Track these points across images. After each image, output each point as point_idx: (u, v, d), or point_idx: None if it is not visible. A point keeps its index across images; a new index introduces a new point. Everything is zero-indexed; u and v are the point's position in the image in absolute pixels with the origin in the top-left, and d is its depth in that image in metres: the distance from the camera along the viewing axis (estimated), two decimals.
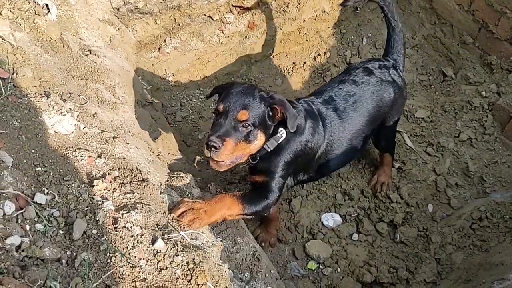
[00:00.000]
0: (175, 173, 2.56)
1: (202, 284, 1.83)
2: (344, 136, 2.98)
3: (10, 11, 2.52)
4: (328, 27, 4.45)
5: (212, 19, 3.77)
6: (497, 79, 3.97)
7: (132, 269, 1.71)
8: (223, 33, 3.88)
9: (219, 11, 3.76)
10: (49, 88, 2.36)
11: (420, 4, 4.48)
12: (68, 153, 2.09)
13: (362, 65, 3.22)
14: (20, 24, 2.53)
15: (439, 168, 3.76)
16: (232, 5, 3.79)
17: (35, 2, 2.69)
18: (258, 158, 2.68)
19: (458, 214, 3.54)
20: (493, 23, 3.88)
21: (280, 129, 2.65)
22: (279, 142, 2.67)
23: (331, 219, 3.46)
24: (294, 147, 2.74)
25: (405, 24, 4.61)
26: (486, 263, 3.05)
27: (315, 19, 4.28)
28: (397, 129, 3.93)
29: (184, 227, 2.09)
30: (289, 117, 2.46)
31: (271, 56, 4.34)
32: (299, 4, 4.05)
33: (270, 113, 2.50)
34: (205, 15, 3.72)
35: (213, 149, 2.32)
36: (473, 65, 4.18)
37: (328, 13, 4.32)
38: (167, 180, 2.46)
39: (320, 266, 3.25)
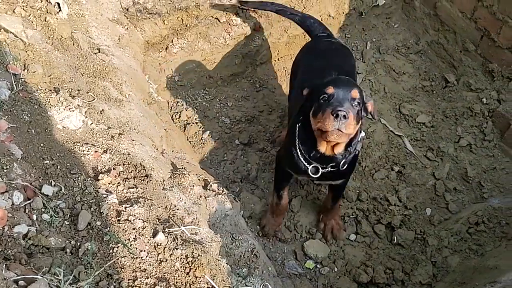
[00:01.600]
0: (178, 170, 2.64)
1: (200, 277, 1.90)
2: None
3: (23, 9, 2.62)
4: (333, 32, 4.51)
5: (219, 21, 3.85)
6: (497, 87, 4.02)
7: (133, 260, 1.78)
8: (229, 34, 3.95)
9: (226, 13, 3.84)
10: (58, 84, 2.45)
11: (425, 10, 4.54)
12: (75, 147, 2.18)
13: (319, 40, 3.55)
14: (32, 22, 2.63)
15: (438, 172, 3.82)
16: (238, 7, 3.87)
17: (47, 1, 2.79)
18: (346, 163, 2.75)
19: (456, 218, 3.59)
20: (495, 32, 3.93)
21: (362, 133, 2.76)
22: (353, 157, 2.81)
23: None
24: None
25: (409, 30, 4.67)
26: (481, 266, 3.11)
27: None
28: (398, 133, 4.01)
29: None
30: (376, 112, 2.71)
31: (276, 59, 4.40)
32: (304, 8, 4.12)
33: (364, 105, 2.59)
34: (212, 16, 3.80)
35: (342, 119, 2.36)
36: (475, 72, 4.23)
37: (333, 18, 4.38)
38: (170, 177, 2.53)
39: (318, 266, 3.32)
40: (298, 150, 2.81)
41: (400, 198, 3.64)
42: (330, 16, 4.34)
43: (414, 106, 4.22)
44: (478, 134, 3.98)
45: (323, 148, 2.68)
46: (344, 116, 2.35)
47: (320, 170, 2.77)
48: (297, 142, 2.82)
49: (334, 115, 2.36)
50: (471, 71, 4.25)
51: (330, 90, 2.46)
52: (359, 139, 2.73)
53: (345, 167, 2.75)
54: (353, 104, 2.46)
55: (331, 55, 3.33)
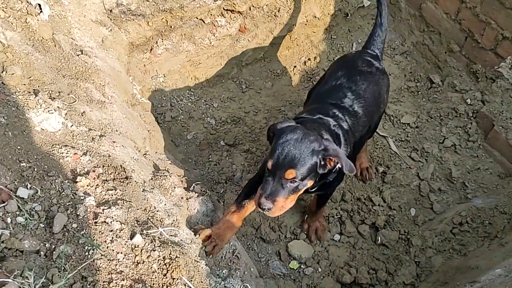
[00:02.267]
0: (160, 172, 2.64)
1: (177, 278, 1.91)
2: (362, 129, 3.08)
3: (3, 10, 2.60)
4: (319, 33, 4.52)
5: (204, 22, 3.85)
6: (481, 88, 4.05)
7: (109, 262, 1.78)
8: (214, 36, 3.96)
9: (211, 15, 3.84)
10: (38, 86, 2.43)
11: (410, 11, 4.56)
12: (53, 150, 2.17)
13: (360, 57, 3.33)
14: (12, 23, 2.61)
15: (423, 173, 3.84)
16: (223, 9, 3.87)
17: (27, 2, 2.77)
18: (317, 186, 2.81)
19: (440, 219, 3.62)
20: (479, 33, 3.96)
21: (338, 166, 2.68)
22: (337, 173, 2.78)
23: None
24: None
25: (395, 31, 4.69)
26: (463, 266, 3.13)
27: (306, 24, 4.36)
28: (383, 134, 4.03)
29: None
30: (344, 166, 2.49)
31: (262, 60, 4.41)
32: (290, 9, 4.13)
33: (322, 163, 2.53)
34: (196, 18, 3.80)
35: (266, 210, 2.47)
36: (459, 73, 4.26)
37: (318, 19, 4.39)
38: (151, 179, 2.53)
39: (302, 266, 3.33)
40: None
41: (384, 198, 3.66)
42: (315, 17, 4.35)
43: (399, 107, 4.25)
44: (463, 134, 4.01)
45: None
46: (268, 209, 2.47)
47: None
48: None
49: (257, 205, 2.49)
50: (456, 72, 4.28)
51: (269, 164, 2.49)
52: (335, 169, 2.68)
53: (315, 187, 2.81)
54: (287, 185, 2.48)
55: (360, 78, 3.15)
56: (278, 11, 4.10)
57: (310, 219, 3.45)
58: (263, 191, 2.48)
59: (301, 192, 2.58)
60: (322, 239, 3.43)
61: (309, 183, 2.55)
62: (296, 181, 2.48)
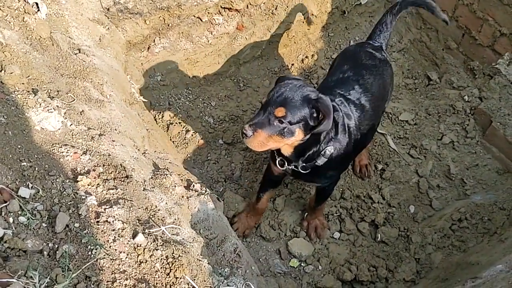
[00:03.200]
0: (160, 170, 2.62)
1: (181, 278, 1.90)
2: (368, 122, 3.08)
3: (0, 9, 2.58)
4: (316, 30, 4.52)
5: (201, 20, 3.84)
6: (479, 84, 4.06)
7: (112, 262, 1.77)
8: (211, 34, 3.94)
9: (208, 13, 3.82)
10: (37, 85, 2.42)
11: (407, 9, 4.56)
12: (54, 149, 2.15)
13: (362, 50, 3.34)
14: (10, 22, 2.59)
15: (422, 170, 3.85)
16: (221, 7, 3.86)
17: (24, 1, 2.74)
18: (310, 169, 2.85)
19: (439, 215, 3.62)
20: (476, 30, 3.98)
21: (329, 146, 2.78)
22: (328, 158, 2.81)
23: None
24: (341, 155, 2.87)
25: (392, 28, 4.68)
26: (463, 262, 3.14)
27: (303, 22, 4.36)
28: (381, 131, 4.03)
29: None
30: (322, 127, 2.55)
31: (260, 58, 4.40)
32: (287, 7, 4.12)
33: (315, 115, 2.57)
34: (194, 16, 3.78)
35: (244, 136, 2.55)
36: (457, 70, 4.27)
37: (316, 16, 4.39)
38: (151, 178, 2.51)
39: (302, 264, 3.33)
40: None
41: (383, 195, 3.67)
42: (313, 15, 4.34)
43: (397, 104, 4.25)
44: (461, 131, 4.02)
45: None
46: (246, 135, 2.55)
47: (285, 166, 2.90)
48: None
49: (240, 129, 2.57)
50: (453, 69, 4.29)
51: (264, 99, 2.60)
52: (322, 153, 2.78)
53: (306, 171, 2.86)
54: (274, 122, 2.53)
55: (366, 72, 3.18)
56: (276, 8, 4.09)
57: (309, 217, 3.45)
58: (250, 119, 2.58)
59: (287, 140, 2.60)
60: (321, 237, 3.43)
61: (297, 132, 2.57)
62: (284, 122, 2.52)
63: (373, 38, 3.46)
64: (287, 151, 2.79)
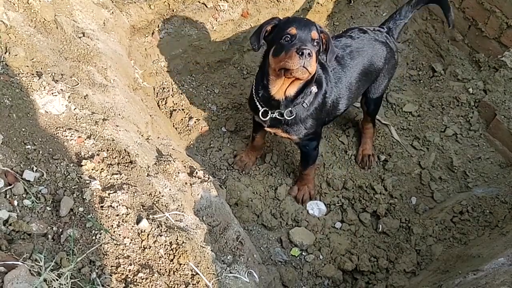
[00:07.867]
0: (163, 157, 2.61)
1: (184, 264, 1.89)
2: (345, 81, 3.21)
3: None
4: (321, 19, 4.48)
5: (206, 6, 3.80)
6: (484, 77, 4.04)
7: (116, 247, 1.77)
8: (216, 20, 3.91)
9: None
10: (41, 68, 2.40)
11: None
12: (58, 133, 2.14)
13: (358, 26, 3.53)
14: (14, 4, 2.56)
15: (424, 162, 3.83)
16: None
17: None
18: (295, 114, 2.96)
19: (440, 207, 3.62)
20: (483, 21, 3.94)
21: (313, 88, 2.92)
22: (312, 99, 2.96)
23: (316, 208, 3.53)
24: (320, 101, 3.03)
25: None
26: (464, 255, 3.13)
27: (308, 10, 4.32)
28: (385, 122, 4.01)
29: None
30: (331, 49, 2.79)
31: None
32: None
33: (322, 43, 2.76)
34: (199, 1, 3.75)
35: (307, 57, 2.52)
36: (462, 62, 4.24)
37: (321, 5, 4.36)
38: (155, 164, 2.50)
39: (303, 253, 3.33)
40: (254, 93, 3.06)
41: (385, 186, 3.66)
42: (318, 3, 4.31)
43: (401, 95, 4.23)
44: (464, 124, 4.00)
45: (274, 90, 2.89)
46: (309, 54, 2.52)
47: (269, 115, 2.99)
48: (254, 84, 3.09)
49: (300, 53, 2.51)
50: (458, 61, 4.25)
51: (293, 31, 2.62)
52: (310, 91, 2.92)
53: (291, 116, 2.96)
54: (314, 44, 2.65)
55: (356, 41, 3.31)
56: None
57: (300, 183, 3.56)
58: (298, 45, 2.55)
59: (315, 68, 2.67)
60: (305, 203, 3.55)
61: (315, 58, 2.63)
62: (317, 45, 2.68)
63: (385, 23, 3.56)
64: (292, 90, 2.87)
